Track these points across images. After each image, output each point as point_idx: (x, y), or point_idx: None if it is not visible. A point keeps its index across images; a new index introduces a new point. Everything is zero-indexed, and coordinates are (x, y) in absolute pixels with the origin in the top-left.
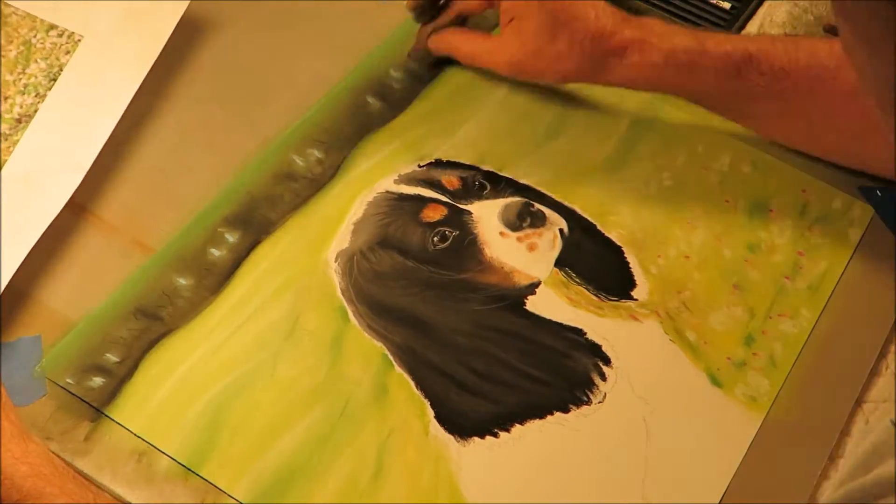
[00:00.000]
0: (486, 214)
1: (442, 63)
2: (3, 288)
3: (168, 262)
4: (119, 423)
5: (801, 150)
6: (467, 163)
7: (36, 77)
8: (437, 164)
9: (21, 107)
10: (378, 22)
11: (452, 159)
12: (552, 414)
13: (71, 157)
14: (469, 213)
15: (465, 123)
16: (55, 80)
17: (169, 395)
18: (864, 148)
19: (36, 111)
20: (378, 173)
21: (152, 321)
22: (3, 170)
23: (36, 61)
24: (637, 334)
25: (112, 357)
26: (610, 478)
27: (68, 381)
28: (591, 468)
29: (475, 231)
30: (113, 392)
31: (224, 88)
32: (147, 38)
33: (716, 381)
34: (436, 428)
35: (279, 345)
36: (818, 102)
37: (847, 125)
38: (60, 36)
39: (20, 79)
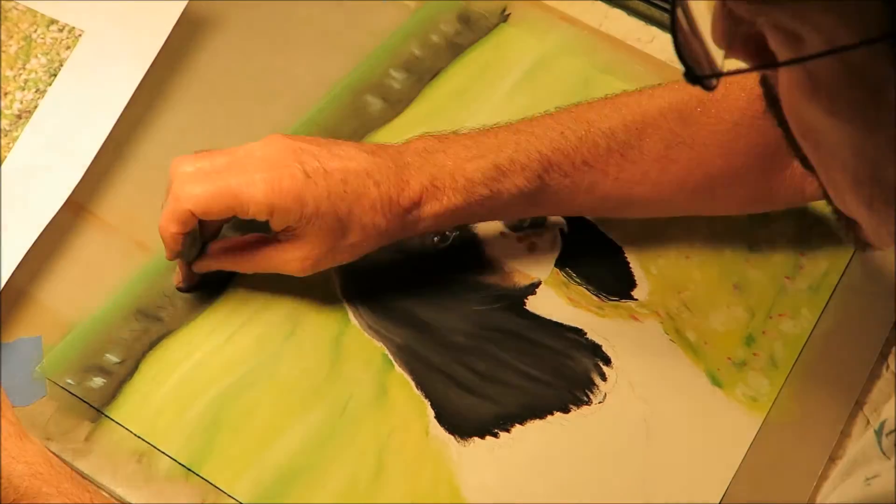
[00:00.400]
0: None
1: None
2: (2, 284)
3: (169, 262)
4: (119, 424)
5: (635, 218)
6: None
7: (36, 72)
8: None
9: (21, 102)
10: (378, 22)
11: None
12: (552, 414)
13: (71, 154)
14: None
15: (466, 123)
16: (55, 75)
17: (169, 395)
18: (699, 204)
19: (36, 107)
20: None
21: (153, 322)
22: (2, 165)
23: (36, 56)
24: (637, 334)
25: (112, 357)
26: (610, 478)
27: (68, 381)
28: (592, 468)
29: (475, 231)
30: (113, 392)
31: (224, 88)
32: (147, 33)
33: (716, 382)
34: (436, 428)
35: (279, 345)
36: (633, 181)
37: (672, 192)
38: (61, 31)
39: (20, 74)
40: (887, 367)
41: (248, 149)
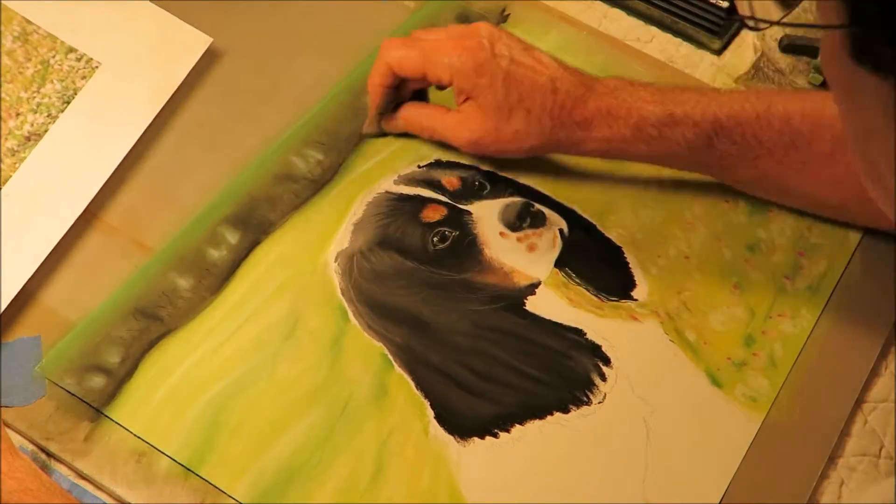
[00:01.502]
0: (486, 215)
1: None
2: (4, 307)
3: (168, 262)
4: (119, 424)
5: (788, 206)
6: (467, 163)
7: (50, 97)
8: (437, 164)
9: (32, 125)
10: (378, 22)
11: (452, 159)
12: (552, 414)
13: (77, 182)
14: (469, 213)
15: None
16: (69, 102)
17: (169, 395)
18: (851, 210)
19: (46, 131)
20: (378, 174)
21: (152, 321)
22: (6, 185)
23: (52, 82)
24: (637, 334)
25: (112, 357)
26: (610, 478)
27: (68, 381)
28: (591, 468)
29: (475, 231)
30: (113, 392)
31: (224, 88)
32: (166, 71)
33: (716, 382)
34: (435, 428)
35: (279, 345)
36: (793, 169)
37: (827, 191)
38: (79, 60)
39: (34, 97)
40: (886, 366)
41: (448, 28)
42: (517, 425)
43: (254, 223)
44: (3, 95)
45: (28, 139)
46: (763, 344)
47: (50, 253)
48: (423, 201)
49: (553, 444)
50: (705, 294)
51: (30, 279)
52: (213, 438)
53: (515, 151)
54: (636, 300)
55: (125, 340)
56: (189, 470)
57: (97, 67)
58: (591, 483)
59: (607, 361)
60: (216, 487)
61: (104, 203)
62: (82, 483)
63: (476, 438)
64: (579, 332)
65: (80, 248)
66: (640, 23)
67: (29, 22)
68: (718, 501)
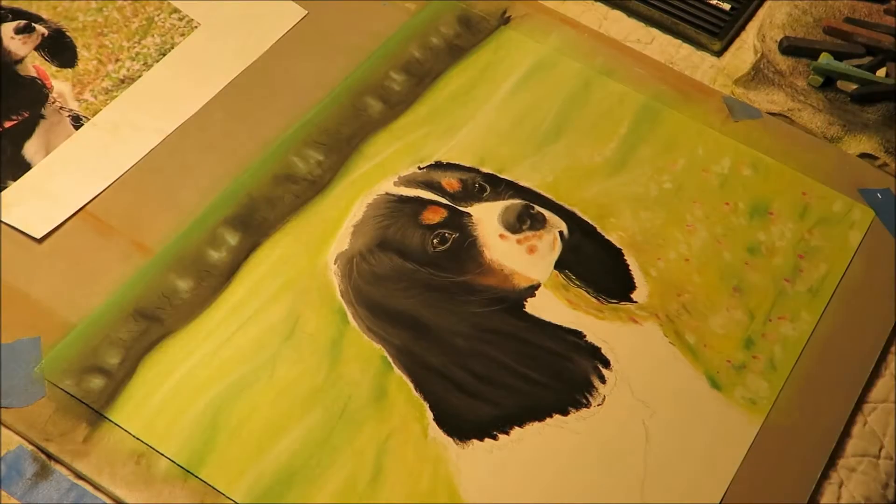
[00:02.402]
0: (486, 217)
1: None
2: (66, 216)
3: (168, 263)
4: (118, 425)
5: None
6: (467, 165)
7: (148, 49)
8: (437, 166)
9: (128, 70)
10: (379, 23)
11: (452, 161)
12: (551, 416)
13: (156, 121)
14: (469, 215)
15: (466, 125)
16: (164, 54)
17: (168, 396)
18: None
19: (140, 76)
20: (378, 175)
21: (151, 323)
22: (96, 116)
23: (152, 36)
24: (637, 337)
25: (111, 359)
26: (609, 480)
27: (67, 382)
28: (591, 471)
29: (475, 233)
30: (112, 394)
31: (224, 89)
32: (256, 36)
33: (715, 384)
34: (435, 430)
35: (278, 347)
36: None
37: None
38: (181, 20)
39: (134, 47)
40: (886, 367)
41: None
42: (516, 427)
43: (254, 224)
44: (105, 43)
45: (122, 81)
46: (763, 346)
47: (50, 253)
48: (423, 203)
49: (552, 446)
50: (705, 296)
51: (30, 281)
52: (212, 440)
53: None
54: (636, 302)
55: (125, 342)
56: (188, 471)
57: (196, 28)
58: (591, 485)
59: (607, 364)
60: (215, 489)
61: (104, 204)
62: (81, 484)
63: (475, 440)
64: (579, 335)
65: (80, 249)
66: (641, 24)
67: None
68: (718, 503)
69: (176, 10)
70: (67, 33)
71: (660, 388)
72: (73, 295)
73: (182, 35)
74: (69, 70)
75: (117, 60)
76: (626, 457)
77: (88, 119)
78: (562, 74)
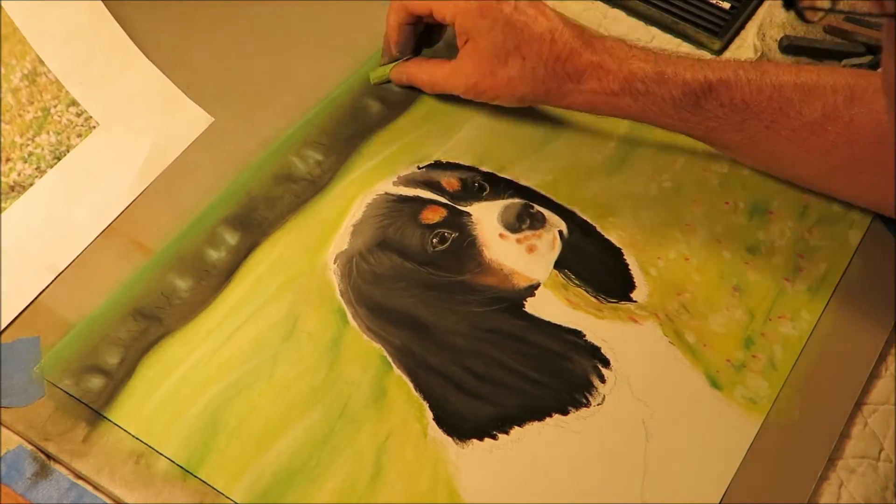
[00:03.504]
0: (486, 216)
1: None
2: None
3: (167, 263)
4: (117, 425)
5: (775, 176)
6: (467, 164)
7: (42, 149)
8: (437, 165)
9: (19, 174)
10: (378, 23)
11: (452, 161)
12: (551, 416)
13: (47, 252)
14: (468, 214)
15: (465, 125)
16: (59, 158)
17: (167, 396)
18: (835, 182)
19: (31, 184)
20: (377, 175)
21: (151, 322)
22: None
23: (48, 132)
24: (636, 336)
25: (111, 358)
26: (609, 480)
27: (66, 382)
28: (590, 471)
29: (474, 233)
30: (111, 393)
31: (223, 90)
32: (162, 146)
33: (715, 384)
34: (434, 430)
35: (278, 346)
36: (781, 136)
37: (815, 159)
38: (79, 116)
39: (27, 145)
40: (886, 367)
41: None
42: (516, 427)
43: (253, 224)
44: None
45: (12, 189)
46: (763, 346)
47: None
48: (423, 202)
49: (552, 446)
50: (705, 296)
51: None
52: (211, 440)
53: (508, 98)
54: (636, 302)
55: (124, 341)
56: (187, 471)
57: (94, 128)
58: (590, 485)
59: (606, 363)
60: (214, 489)
61: None
62: (81, 483)
63: (475, 440)
64: (578, 334)
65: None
66: (641, 23)
67: (41, 62)
68: (717, 503)
69: (74, 103)
70: None
71: (659, 388)
72: (72, 294)
73: (79, 136)
74: None
75: (7, 160)
76: (625, 456)
77: None
78: None
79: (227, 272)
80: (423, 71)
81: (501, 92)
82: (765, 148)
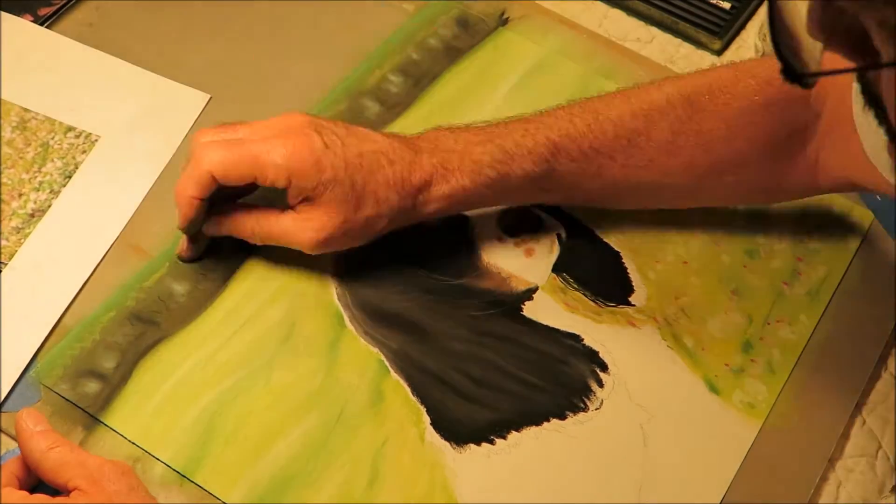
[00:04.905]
0: (484, 219)
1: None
2: (7, 384)
3: (164, 267)
4: (113, 430)
5: (648, 208)
6: None
7: (51, 175)
8: None
9: (35, 202)
10: (377, 24)
11: None
12: (549, 421)
13: (80, 251)
14: (467, 218)
15: None
16: (70, 177)
17: (164, 400)
18: (704, 192)
19: (49, 207)
20: None
21: (148, 326)
22: (13, 260)
23: (52, 160)
24: (635, 340)
25: (107, 363)
26: (607, 485)
27: (63, 386)
28: (588, 475)
29: (472, 236)
30: (107, 398)
31: (222, 90)
32: (165, 134)
33: (713, 388)
34: (431, 435)
35: (275, 350)
36: (640, 167)
37: (678, 179)
38: (78, 137)
39: (35, 177)
40: (885, 368)
41: (267, 121)
42: (513, 432)
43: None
44: (4, 180)
45: (32, 216)
46: (761, 350)
47: None
48: None
49: (550, 450)
50: (703, 300)
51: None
52: (208, 445)
53: (365, 238)
54: (634, 306)
55: (120, 346)
56: (184, 476)
57: (97, 141)
58: (588, 490)
59: (604, 367)
60: (211, 494)
61: None
62: None
63: (472, 445)
64: (577, 338)
65: None
66: (641, 23)
67: (26, 110)
68: None
69: (70, 129)
70: None
71: (658, 392)
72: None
73: (84, 152)
74: None
75: (20, 195)
76: (623, 461)
77: (6, 264)
78: (560, 76)
79: (224, 276)
80: (252, 221)
81: (358, 234)
82: (628, 185)
